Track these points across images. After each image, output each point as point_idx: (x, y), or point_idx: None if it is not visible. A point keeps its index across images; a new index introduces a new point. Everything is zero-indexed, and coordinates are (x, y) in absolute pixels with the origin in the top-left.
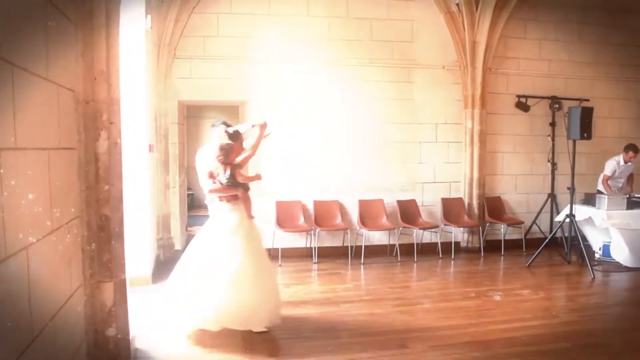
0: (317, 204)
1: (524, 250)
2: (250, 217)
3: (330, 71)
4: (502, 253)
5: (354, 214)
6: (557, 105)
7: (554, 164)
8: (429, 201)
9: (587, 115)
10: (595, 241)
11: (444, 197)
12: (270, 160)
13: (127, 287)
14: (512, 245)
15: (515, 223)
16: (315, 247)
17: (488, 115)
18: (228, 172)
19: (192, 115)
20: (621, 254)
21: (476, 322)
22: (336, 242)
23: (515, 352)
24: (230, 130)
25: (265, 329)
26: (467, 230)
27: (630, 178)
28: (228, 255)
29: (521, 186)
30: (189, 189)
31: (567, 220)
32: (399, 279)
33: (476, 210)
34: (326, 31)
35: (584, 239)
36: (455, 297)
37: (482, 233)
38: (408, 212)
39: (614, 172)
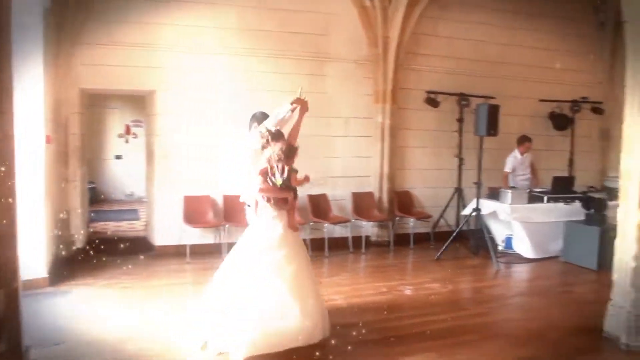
0: (227, 198)
1: (432, 243)
2: (294, 228)
3: (241, 62)
4: (411, 246)
5: None
6: (464, 102)
7: (461, 159)
8: (340, 195)
9: (493, 113)
10: (499, 234)
11: (354, 191)
12: (177, 154)
13: (19, 294)
14: (421, 239)
15: (423, 217)
16: (225, 243)
17: (398, 110)
18: (286, 173)
19: (95, 105)
20: (522, 246)
21: (389, 317)
22: None
23: (428, 346)
24: (273, 129)
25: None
26: (377, 224)
27: (533, 169)
28: (275, 270)
29: (429, 180)
30: (91, 182)
31: (473, 213)
32: None
33: (386, 204)
34: (238, 21)
35: (489, 231)
36: (367, 292)
37: (392, 227)
38: (319, 207)
39: (514, 167)
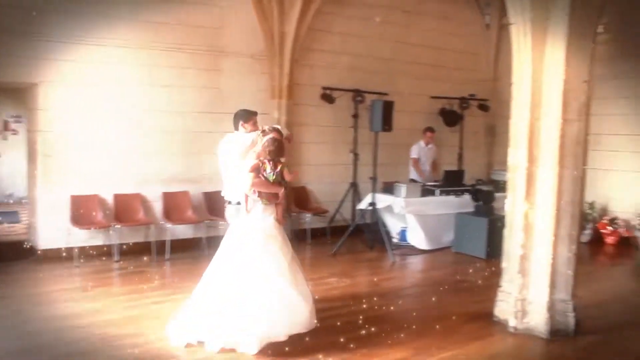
0: (117, 197)
1: (328, 238)
2: (281, 221)
3: (133, 55)
4: (308, 242)
5: (158, 208)
6: (359, 98)
7: (356, 155)
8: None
9: (388, 109)
10: (394, 227)
11: None
12: (63, 151)
13: None
14: (318, 234)
15: (320, 212)
16: (116, 244)
17: (294, 106)
18: (279, 169)
19: None
20: (416, 238)
21: None
22: (139, 238)
23: (329, 341)
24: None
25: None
26: None
27: (434, 165)
28: (274, 258)
29: (325, 176)
30: None
31: (369, 208)
32: None
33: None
34: (131, 11)
35: (384, 225)
36: None
37: (289, 222)
38: (215, 204)
39: (419, 154)
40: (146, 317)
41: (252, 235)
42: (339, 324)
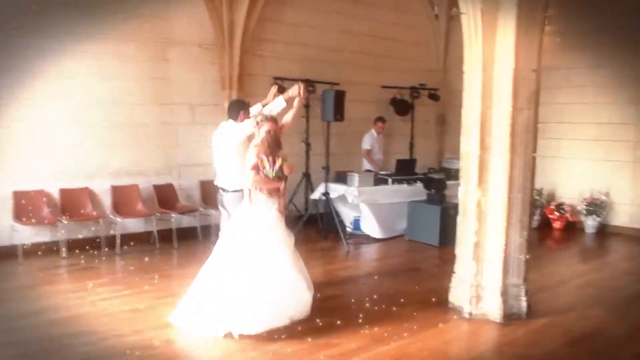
0: (63, 192)
1: None
2: (283, 212)
3: (78, 45)
4: None
5: (107, 202)
6: (311, 88)
7: (308, 145)
8: (187, 185)
9: (339, 98)
10: (347, 216)
11: (202, 179)
12: (5, 144)
13: None
14: None
15: None
16: (63, 240)
17: (245, 97)
18: (277, 165)
19: None
20: (370, 227)
21: None
22: (87, 233)
23: (284, 331)
24: (266, 113)
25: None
26: None
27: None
28: (279, 244)
29: None
30: None
31: (322, 197)
32: (159, 268)
33: None
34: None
35: (338, 214)
36: None
37: None
38: (165, 197)
39: (372, 145)
40: (97, 315)
41: (257, 223)
42: None
